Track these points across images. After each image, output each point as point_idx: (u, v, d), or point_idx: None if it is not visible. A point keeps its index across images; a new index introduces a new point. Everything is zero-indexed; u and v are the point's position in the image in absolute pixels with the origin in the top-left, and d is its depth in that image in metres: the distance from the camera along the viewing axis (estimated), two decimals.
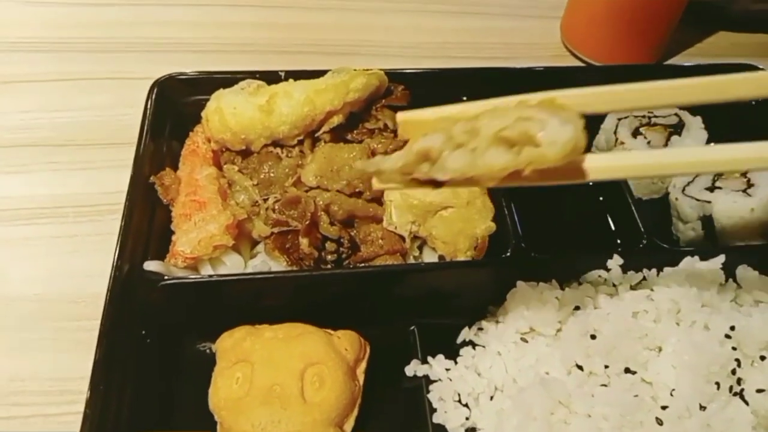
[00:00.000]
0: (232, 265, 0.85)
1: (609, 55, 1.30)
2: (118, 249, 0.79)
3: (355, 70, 0.96)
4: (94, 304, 0.88)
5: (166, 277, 0.80)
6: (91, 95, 1.16)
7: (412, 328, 0.87)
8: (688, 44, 1.40)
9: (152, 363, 0.78)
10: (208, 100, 0.96)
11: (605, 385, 0.76)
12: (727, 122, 1.05)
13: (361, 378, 0.78)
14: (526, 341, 0.81)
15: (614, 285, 0.86)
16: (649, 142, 1.03)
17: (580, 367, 0.77)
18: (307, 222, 0.84)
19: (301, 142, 0.95)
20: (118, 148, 1.07)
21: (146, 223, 0.86)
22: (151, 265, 0.81)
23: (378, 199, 0.92)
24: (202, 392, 0.76)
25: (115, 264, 0.78)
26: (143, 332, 0.78)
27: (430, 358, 0.83)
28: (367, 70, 0.97)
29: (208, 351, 0.84)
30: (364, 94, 0.95)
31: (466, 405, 0.80)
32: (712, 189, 0.95)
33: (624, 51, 1.29)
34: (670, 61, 1.36)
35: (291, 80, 0.96)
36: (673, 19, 1.25)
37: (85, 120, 1.12)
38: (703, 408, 0.72)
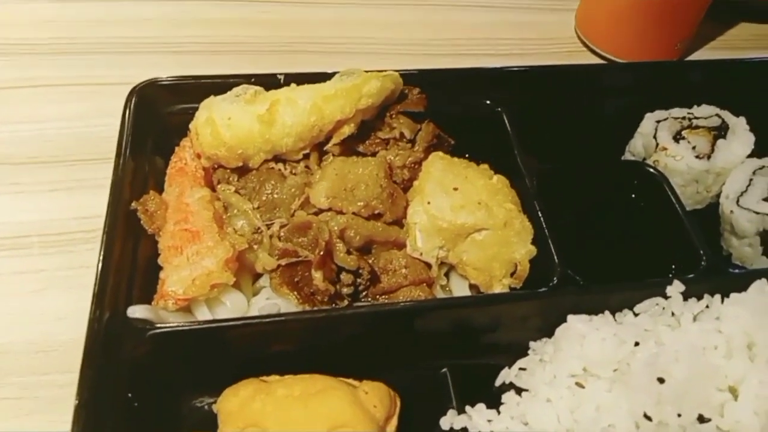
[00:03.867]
0: (234, 305, 0.72)
1: (630, 50, 1.19)
2: (96, 293, 0.66)
3: (366, 72, 0.83)
4: (67, 354, 0.76)
5: (155, 325, 0.67)
6: (58, 104, 1.02)
7: (443, 370, 0.76)
8: (710, 37, 1.31)
9: (142, 431, 0.65)
10: (196, 109, 0.84)
11: None
12: None
13: None
14: (582, 386, 0.70)
15: (673, 314, 0.75)
16: (694, 147, 0.92)
17: (648, 417, 0.66)
18: (321, 252, 0.71)
19: (306, 157, 0.82)
20: (92, 166, 0.94)
21: (129, 258, 0.73)
22: (136, 311, 0.67)
23: (399, 221, 0.80)
24: None
25: (93, 312, 0.64)
26: (129, 395, 0.65)
27: (468, 408, 0.72)
28: (381, 71, 0.84)
29: (206, 407, 0.71)
30: (378, 99, 0.82)
31: None
32: None
33: (648, 46, 1.19)
34: (693, 56, 1.26)
35: (293, 85, 0.83)
36: (702, 11, 1.15)
37: (51, 133, 0.98)
38: None
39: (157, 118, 0.85)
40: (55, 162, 0.94)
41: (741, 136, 0.94)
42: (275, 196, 0.79)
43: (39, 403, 0.72)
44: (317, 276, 0.72)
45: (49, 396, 0.73)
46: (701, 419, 0.67)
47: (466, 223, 0.77)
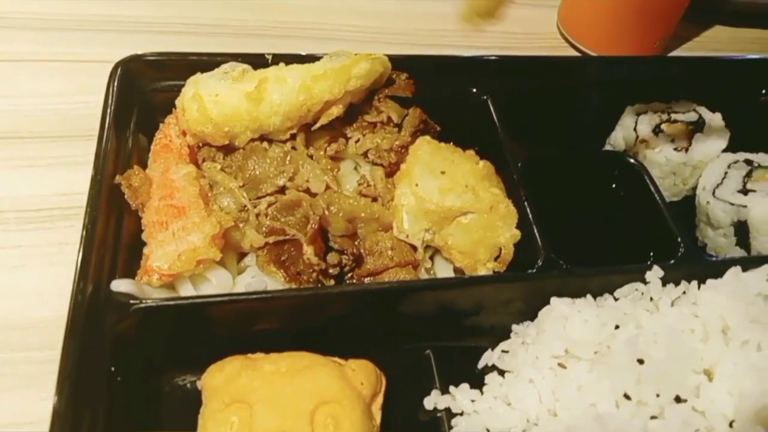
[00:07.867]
0: (219, 282, 0.71)
1: (611, 47, 1.22)
2: (79, 265, 0.64)
3: (356, 54, 0.83)
4: (45, 331, 0.75)
5: (139, 300, 0.65)
6: (36, 80, 0.99)
7: (427, 352, 0.77)
8: (686, 38, 1.34)
9: (124, 406, 0.64)
10: (180, 86, 0.82)
11: (655, 417, 0.67)
12: (747, 118, 1.00)
13: (378, 416, 0.66)
14: (564, 367, 0.71)
15: (651, 299, 0.77)
16: (672, 140, 0.94)
17: (627, 397, 0.68)
18: (315, 227, 0.71)
19: (293, 137, 0.82)
20: (71, 143, 0.92)
21: (112, 232, 0.71)
22: (120, 285, 0.66)
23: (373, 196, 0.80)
24: None
25: (76, 284, 0.63)
26: (112, 368, 0.63)
27: (452, 388, 0.73)
28: (369, 54, 0.84)
29: (188, 385, 0.70)
30: (367, 81, 0.82)
31: None
32: (745, 192, 0.88)
33: (628, 44, 1.21)
34: (671, 55, 1.29)
35: (282, 64, 0.83)
36: (681, 10, 1.18)
37: (28, 109, 0.95)
38: None
39: (141, 94, 0.83)
40: (33, 138, 0.92)
41: (717, 131, 0.97)
42: (257, 172, 0.78)
43: (17, 379, 0.71)
44: (309, 251, 0.72)
45: (27, 373, 0.71)
46: (678, 399, 0.68)
47: (454, 205, 0.77)
